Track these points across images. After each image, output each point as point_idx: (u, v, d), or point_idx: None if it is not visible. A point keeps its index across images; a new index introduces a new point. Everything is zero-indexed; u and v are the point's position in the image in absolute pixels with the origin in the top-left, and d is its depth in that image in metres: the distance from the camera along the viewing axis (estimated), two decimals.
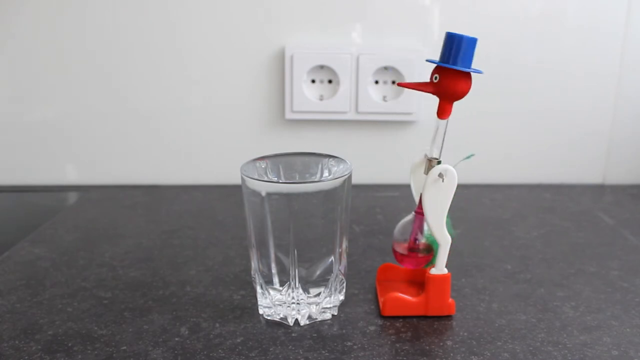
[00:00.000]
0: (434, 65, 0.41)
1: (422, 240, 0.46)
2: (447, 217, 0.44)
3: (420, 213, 0.45)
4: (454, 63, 0.39)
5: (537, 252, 0.56)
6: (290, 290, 0.42)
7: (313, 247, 0.42)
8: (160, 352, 0.40)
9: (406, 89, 0.69)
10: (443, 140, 0.43)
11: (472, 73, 0.40)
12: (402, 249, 0.47)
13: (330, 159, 0.45)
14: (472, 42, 0.39)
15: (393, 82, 0.72)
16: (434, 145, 0.43)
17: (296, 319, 0.43)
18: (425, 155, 0.43)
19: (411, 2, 0.71)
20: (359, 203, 0.69)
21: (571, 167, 0.77)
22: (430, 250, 0.46)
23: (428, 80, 0.41)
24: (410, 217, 0.46)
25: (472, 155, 0.45)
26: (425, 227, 0.45)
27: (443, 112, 0.42)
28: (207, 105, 0.74)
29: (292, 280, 0.42)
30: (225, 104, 0.74)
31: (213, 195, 0.73)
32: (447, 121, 0.42)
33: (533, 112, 0.75)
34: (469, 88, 0.40)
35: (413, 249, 0.46)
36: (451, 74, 0.40)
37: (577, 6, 0.72)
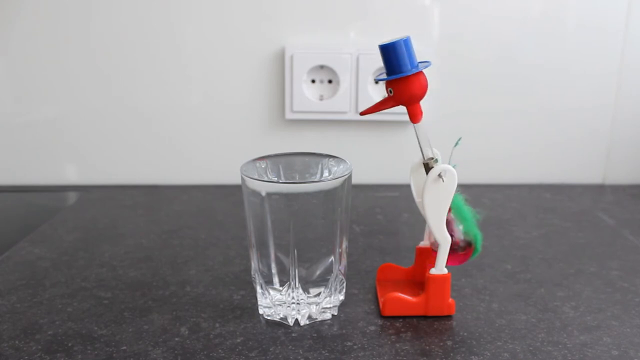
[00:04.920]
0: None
1: (462, 237, 0.44)
2: (467, 206, 0.43)
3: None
4: (400, 71, 0.39)
5: (537, 252, 0.56)
6: (290, 290, 0.42)
7: (313, 247, 0.42)
8: (160, 352, 0.40)
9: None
10: (429, 139, 0.42)
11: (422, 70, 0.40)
12: None
13: (330, 159, 0.45)
14: (406, 42, 0.39)
15: None
16: (424, 147, 0.42)
17: (296, 319, 0.43)
18: (422, 159, 0.43)
19: (411, 2, 0.71)
20: (359, 203, 0.69)
21: (571, 167, 0.77)
22: (470, 244, 0.45)
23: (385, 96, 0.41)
24: None
25: (459, 139, 0.45)
26: (460, 226, 0.44)
27: (414, 116, 0.41)
28: (207, 105, 0.74)
29: (292, 280, 0.42)
30: (225, 104, 0.74)
31: (213, 195, 0.73)
32: (423, 121, 0.42)
33: (533, 112, 0.75)
34: (426, 83, 0.40)
35: (453, 247, 0.45)
36: (402, 81, 0.39)
37: (577, 6, 0.72)
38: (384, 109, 0.41)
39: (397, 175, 0.75)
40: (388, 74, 0.39)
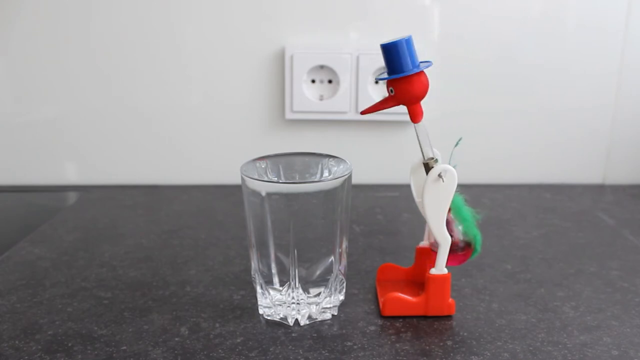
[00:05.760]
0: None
1: (461, 237, 0.44)
2: (467, 207, 0.43)
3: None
4: (401, 70, 0.39)
5: (537, 252, 0.56)
6: (290, 290, 0.42)
7: (313, 247, 0.42)
8: (160, 352, 0.40)
9: None
10: (429, 139, 0.42)
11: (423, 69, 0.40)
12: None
13: (330, 159, 0.45)
14: (407, 42, 0.39)
15: None
16: (424, 147, 0.42)
17: (296, 319, 0.43)
18: (422, 159, 0.43)
19: (411, 2, 0.71)
20: (359, 203, 0.69)
21: (571, 167, 0.77)
22: (470, 245, 0.44)
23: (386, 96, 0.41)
24: None
25: (460, 139, 0.45)
26: (460, 226, 0.44)
27: (415, 115, 0.41)
28: (207, 105, 0.74)
29: (292, 280, 0.42)
30: (225, 103, 0.74)
31: (213, 195, 0.73)
32: (423, 121, 0.42)
33: (533, 112, 0.75)
34: (427, 83, 0.40)
35: (453, 247, 0.44)
36: (403, 81, 0.39)
37: (577, 6, 0.72)
38: (385, 109, 0.41)
39: (397, 175, 0.75)
40: (389, 73, 0.39)
